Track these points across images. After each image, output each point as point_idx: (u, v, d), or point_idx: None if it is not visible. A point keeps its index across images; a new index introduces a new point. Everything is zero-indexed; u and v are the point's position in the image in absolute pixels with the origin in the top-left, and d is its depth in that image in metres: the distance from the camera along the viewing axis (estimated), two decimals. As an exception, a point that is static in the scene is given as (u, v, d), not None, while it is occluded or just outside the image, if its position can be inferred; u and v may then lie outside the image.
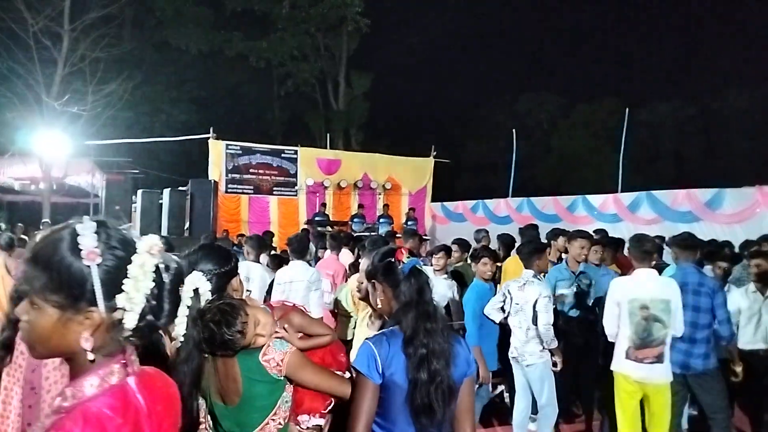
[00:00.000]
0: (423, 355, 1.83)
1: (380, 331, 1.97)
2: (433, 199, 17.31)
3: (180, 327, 1.79)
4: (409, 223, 15.03)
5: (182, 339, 1.78)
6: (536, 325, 4.37)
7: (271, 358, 1.96)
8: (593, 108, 25.60)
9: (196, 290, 1.83)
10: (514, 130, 16.17)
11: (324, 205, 15.26)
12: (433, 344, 1.84)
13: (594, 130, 25.12)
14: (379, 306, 2.04)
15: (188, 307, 1.78)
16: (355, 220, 14.81)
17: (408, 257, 1.99)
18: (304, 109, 25.75)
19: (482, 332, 4.71)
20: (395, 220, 16.22)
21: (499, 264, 5.84)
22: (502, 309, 4.66)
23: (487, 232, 8.43)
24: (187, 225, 12.77)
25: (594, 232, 7.52)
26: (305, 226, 14.63)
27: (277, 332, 2.07)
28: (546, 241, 6.05)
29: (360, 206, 15.47)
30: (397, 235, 9.63)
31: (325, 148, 17.26)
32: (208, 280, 1.88)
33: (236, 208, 15.04)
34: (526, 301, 4.44)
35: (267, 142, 16.45)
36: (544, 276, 4.95)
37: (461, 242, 6.53)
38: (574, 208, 13.21)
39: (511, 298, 4.56)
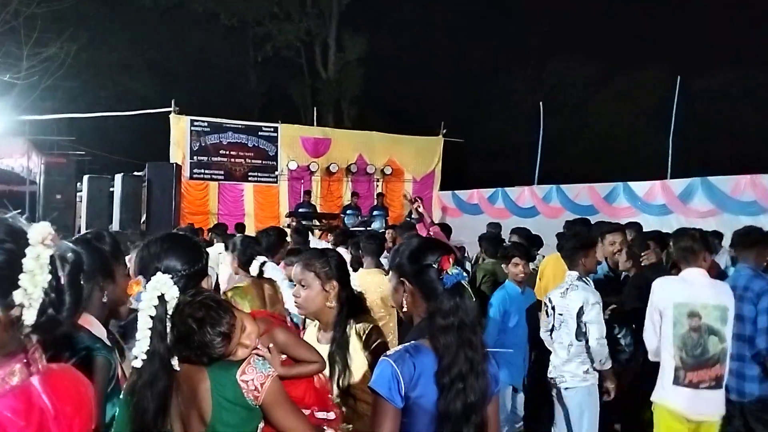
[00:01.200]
0: (460, 389, 1.92)
1: (401, 346, 2.02)
2: (443, 187, 17.39)
3: (142, 342, 1.81)
4: (413, 216, 15.03)
5: (144, 357, 1.80)
6: (580, 340, 4.36)
7: (251, 379, 1.90)
8: (637, 77, 25.53)
9: (161, 297, 1.86)
10: (541, 104, 16.15)
11: (309, 193, 15.28)
12: (472, 378, 1.94)
13: (638, 104, 25.06)
14: (405, 309, 2.14)
15: (152, 317, 1.83)
16: (348, 212, 14.84)
17: (454, 267, 2.04)
18: (286, 78, 25.69)
19: (507, 339, 4.80)
20: (396, 211, 16.22)
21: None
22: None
23: (500, 226, 8.42)
24: (143, 218, 12.74)
25: (626, 225, 7.48)
26: (288, 220, 14.68)
27: (258, 349, 2.04)
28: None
29: (354, 195, 15.49)
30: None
31: (312, 124, 17.32)
32: (175, 283, 1.90)
33: (204, 198, 15.07)
34: (568, 310, 4.43)
35: (241, 117, 16.49)
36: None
37: (490, 237, 6.52)
38: (614, 198, 13.22)
39: (554, 308, 4.55)
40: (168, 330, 1.85)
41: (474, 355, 1.95)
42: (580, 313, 4.34)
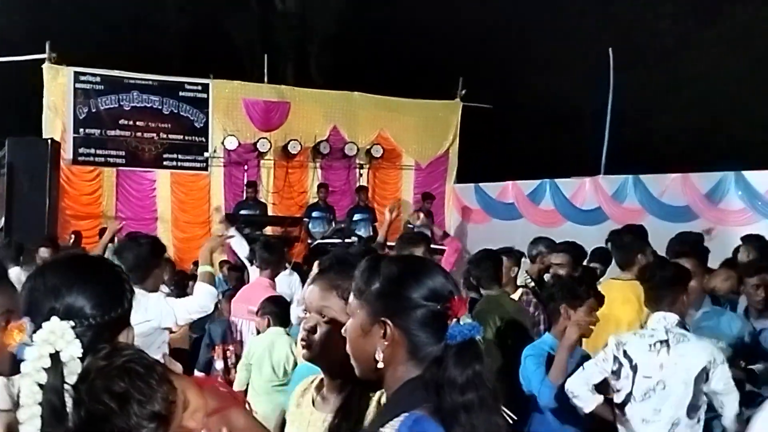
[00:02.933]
0: None
1: (397, 422, 2.01)
2: (461, 178, 17.55)
3: (27, 427, 1.80)
4: (418, 222, 15.05)
5: None
6: (693, 417, 4.46)
7: None
8: (757, 11, 25.65)
9: (54, 356, 1.84)
10: (610, 52, 16.16)
11: (256, 186, 15.19)
12: None
13: (758, 53, 25.19)
14: (380, 365, 2.11)
15: (40, 386, 1.81)
16: (315, 214, 14.79)
17: (468, 313, 2.05)
18: (221, 9, 25.67)
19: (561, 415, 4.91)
20: (384, 216, 16.18)
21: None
22: (602, 385, 4.74)
23: (551, 243, 8.39)
24: (1, 221, 12.67)
25: (743, 240, 7.49)
26: (222, 227, 14.57)
27: None
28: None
29: (321, 188, 15.39)
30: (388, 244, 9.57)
31: (261, 81, 17.23)
32: (78, 335, 1.89)
33: (95, 192, 15.06)
34: (677, 372, 4.50)
35: (153, 69, 16.37)
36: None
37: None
38: (721, 194, 13.30)
39: (634, 369, 4.60)
40: (67, 405, 1.82)
41: None
42: (702, 378, 4.43)
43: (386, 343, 2.09)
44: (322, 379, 2.64)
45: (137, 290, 5.17)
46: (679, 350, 4.48)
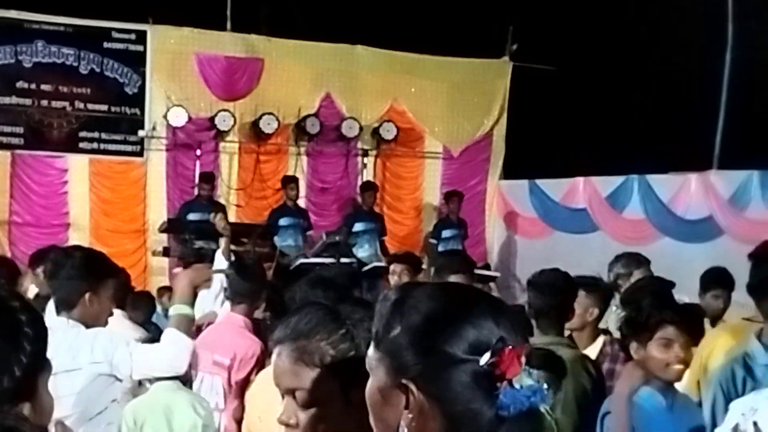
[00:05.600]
0: None
1: None
2: (510, 172, 17.74)
3: None
4: (445, 233, 14.98)
5: None
6: None
7: None
8: None
9: None
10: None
11: (211, 179, 15.13)
12: None
13: None
14: None
15: None
16: (283, 222, 14.93)
17: (527, 372, 2.04)
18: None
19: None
20: (406, 222, 16.20)
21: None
22: None
23: (642, 260, 8.38)
24: None
25: None
26: (162, 238, 14.55)
27: None
28: None
29: (290, 182, 15.57)
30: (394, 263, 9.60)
31: (222, 28, 17.24)
32: None
33: (-22, 185, 15.04)
34: None
35: (67, 9, 16.35)
36: None
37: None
38: None
39: None
40: None
41: None
42: None
43: (410, 415, 2.08)
44: None
45: (65, 321, 5.28)
46: None
